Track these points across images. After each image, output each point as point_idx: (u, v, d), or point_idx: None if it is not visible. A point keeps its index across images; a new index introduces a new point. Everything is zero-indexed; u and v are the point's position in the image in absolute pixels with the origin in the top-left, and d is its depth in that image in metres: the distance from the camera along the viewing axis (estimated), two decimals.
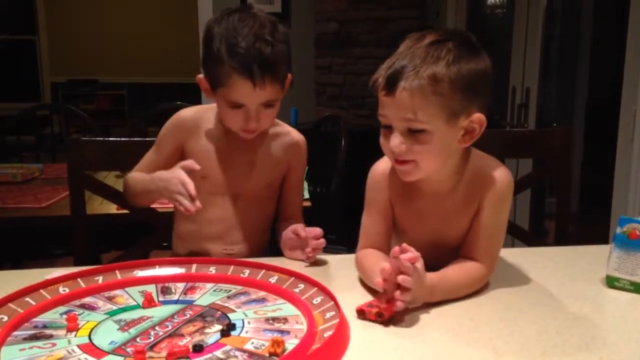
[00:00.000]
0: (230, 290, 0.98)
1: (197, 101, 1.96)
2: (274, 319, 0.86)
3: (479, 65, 0.94)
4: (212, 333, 0.81)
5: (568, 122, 3.58)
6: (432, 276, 0.93)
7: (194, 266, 1.06)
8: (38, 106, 4.71)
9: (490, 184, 1.01)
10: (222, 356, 0.75)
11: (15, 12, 6.72)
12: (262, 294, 0.97)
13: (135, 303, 0.93)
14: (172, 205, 1.21)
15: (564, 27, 3.60)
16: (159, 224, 1.43)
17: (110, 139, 1.44)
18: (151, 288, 0.98)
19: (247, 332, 0.82)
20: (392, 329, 0.86)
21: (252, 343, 0.79)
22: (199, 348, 0.76)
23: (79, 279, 0.98)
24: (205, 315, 0.88)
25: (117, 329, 0.83)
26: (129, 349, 0.77)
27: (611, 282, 1.04)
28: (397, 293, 0.86)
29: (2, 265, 2.12)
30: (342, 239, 1.71)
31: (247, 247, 1.29)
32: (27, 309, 0.87)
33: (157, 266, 1.05)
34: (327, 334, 0.79)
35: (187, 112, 1.30)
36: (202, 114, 1.29)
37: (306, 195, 1.84)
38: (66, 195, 1.72)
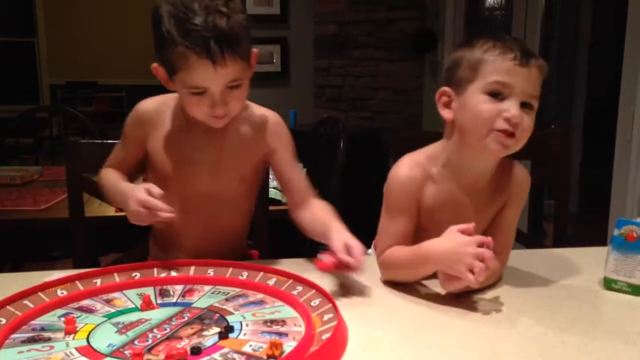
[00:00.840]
0: (228, 293, 0.98)
1: None
2: (272, 322, 0.86)
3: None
4: (210, 335, 0.81)
5: (566, 122, 3.59)
6: None
7: (192, 268, 1.06)
8: (37, 108, 4.71)
9: (516, 179, 1.08)
10: (220, 359, 0.75)
11: (14, 14, 6.71)
12: (260, 296, 0.97)
13: (133, 306, 0.93)
14: None
15: (562, 28, 3.61)
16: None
17: (109, 141, 1.43)
18: (149, 290, 0.98)
19: (245, 334, 0.82)
20: (390, 330, 0.86)
21: (250, 345, 0.79)
22: (197, 350, 0.76)
23: (77, 282, 0.98)
24: (203, 318, 0.88)
25: (115, 332, 0.83)
26: (127, 352, 0.77)
27: (609, 284, 1.04)
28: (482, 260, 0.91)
29: (1, 267, 2.12)
30: None
31: (222, 255, 1.12)
32: (26, 311, 0.87)
33: (155, 269, 1.05)
34: (325, 336, 0.79)
35: (148, 105, 1.19)
36: (162, 106, 1.18)
37: None
38: (65, 197, 1.72)
